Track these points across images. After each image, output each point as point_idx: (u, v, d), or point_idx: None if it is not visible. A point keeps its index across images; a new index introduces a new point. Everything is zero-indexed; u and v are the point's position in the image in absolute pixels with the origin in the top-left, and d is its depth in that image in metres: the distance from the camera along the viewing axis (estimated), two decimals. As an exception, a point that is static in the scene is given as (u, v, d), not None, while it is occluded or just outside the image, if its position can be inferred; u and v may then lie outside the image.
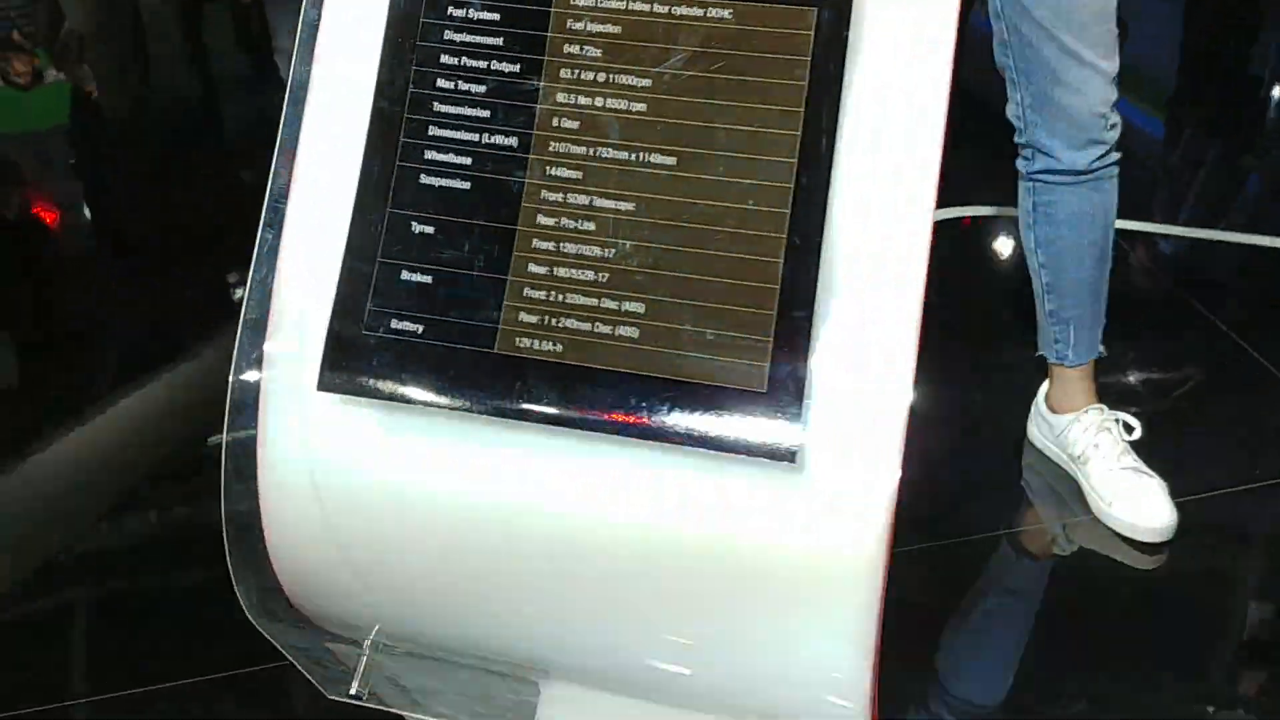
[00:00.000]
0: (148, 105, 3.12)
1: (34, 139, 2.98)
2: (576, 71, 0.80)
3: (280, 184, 0.81)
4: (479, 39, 0.81)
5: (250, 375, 0.81)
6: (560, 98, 0.80)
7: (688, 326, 0.76)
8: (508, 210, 0.80)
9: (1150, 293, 2.13)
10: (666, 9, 0.80)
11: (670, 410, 0.75)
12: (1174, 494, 1.47)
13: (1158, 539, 1.45)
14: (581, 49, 0.80)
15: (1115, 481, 1.49)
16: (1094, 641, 1.38)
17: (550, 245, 0.79)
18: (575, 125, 0.80)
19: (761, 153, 0.77)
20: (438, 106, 0.81)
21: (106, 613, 1.52)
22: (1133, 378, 1.82)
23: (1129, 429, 1.52)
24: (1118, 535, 1.48)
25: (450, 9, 0.82)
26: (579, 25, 0.81)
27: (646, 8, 0.80)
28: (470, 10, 0.81)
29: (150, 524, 1.67)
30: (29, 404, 1.94)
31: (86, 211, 2.72)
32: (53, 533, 1.64)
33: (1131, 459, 1.51)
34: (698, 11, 0.79)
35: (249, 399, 0.81)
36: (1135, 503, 1.47)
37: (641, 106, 0.79)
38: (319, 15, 0.82)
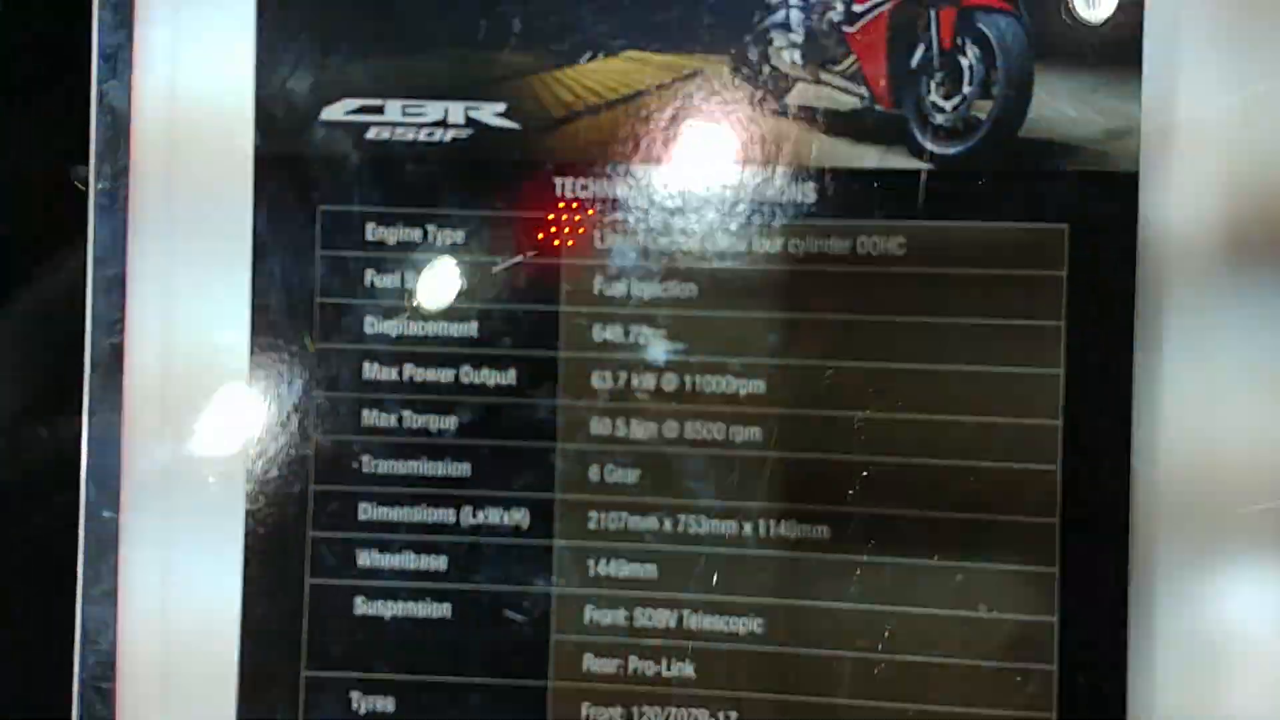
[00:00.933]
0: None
1: None
2: (618, 375, 0.43)
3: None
4: (427, 350, 0.43)
5: None
6: (598, 427, 0.43)
7: None
8: (525, 660, 0.43)
9: None
10: (791, 264, 0.42)
11: None
12: None
13: None
14: (628, 333, 0.43)
15: None
16: None
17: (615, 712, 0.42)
18: (633, 477, 0.43)
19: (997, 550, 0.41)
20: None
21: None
22: None
23: None
24: None
25: (370, 275, 0.43)
26: (608, 317, 0.42)
27: (742, 276, 0.42)
28: (405, 298, 0.42)
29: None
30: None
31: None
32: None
33: None
34: (841, 245, 0.42)
35: None
36: None
37: (754, 433, 0.42)
38: (120, 359, 0.42)
